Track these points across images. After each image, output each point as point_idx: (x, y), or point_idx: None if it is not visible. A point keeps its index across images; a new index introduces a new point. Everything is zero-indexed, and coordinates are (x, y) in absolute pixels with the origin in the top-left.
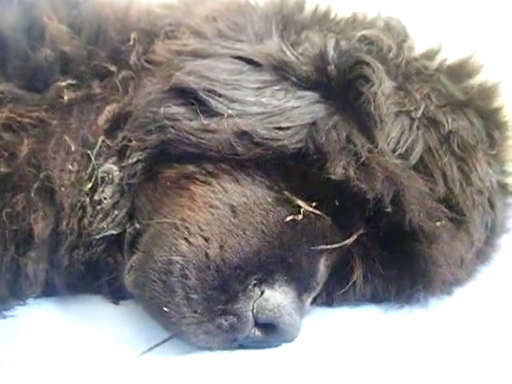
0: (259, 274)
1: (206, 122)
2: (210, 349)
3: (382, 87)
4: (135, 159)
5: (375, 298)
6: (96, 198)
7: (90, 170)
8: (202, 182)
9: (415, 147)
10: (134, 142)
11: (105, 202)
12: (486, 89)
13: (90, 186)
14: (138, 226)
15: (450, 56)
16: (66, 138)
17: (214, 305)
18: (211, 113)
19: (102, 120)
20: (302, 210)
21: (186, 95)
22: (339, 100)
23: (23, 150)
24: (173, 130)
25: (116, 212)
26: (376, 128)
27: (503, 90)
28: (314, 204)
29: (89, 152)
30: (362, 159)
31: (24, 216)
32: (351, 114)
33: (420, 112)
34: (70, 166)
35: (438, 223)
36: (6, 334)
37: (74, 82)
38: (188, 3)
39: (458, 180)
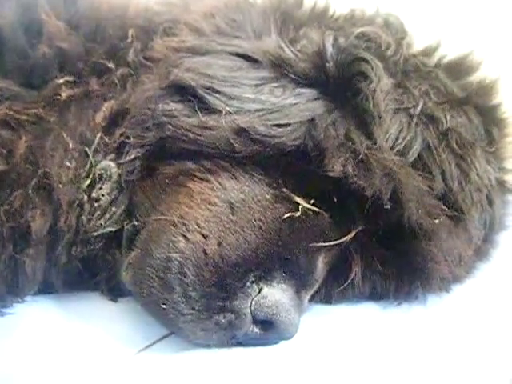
0: (257, 271)
1: (204, 118)
2: (208, 346)
3: (381, 84)
4: (133, 156)
5: (374, 295)
6: (94, 195)
7: (87, 166)
8: (200, 178)
9: (414, 144)
10: (132, 139)
11: (103, 198)
12: (484, 86)
13: (87, 182)
14: (136, 223)
15: (448, 53)
16: (64, 135)
17: (212, 302)
18: (209, 110)
19: (100, 117)
20: (300, 207)
21: (184, 92)
22: (338, 97)
23: (21, 147)
24: (171, 127)
25: (114, 209)
26: (374, 125)
27: (502, 87)
28: (312, 201)
29: (87, 149)
30: (361, 156)
31: (22, 213)
32: (350, 111)
33: (418, 109)
34: (68, 163)
35: (437, 220)
36: (3, 331)
37: (71, 78)
38: (186, 0)
39: (457, 177)
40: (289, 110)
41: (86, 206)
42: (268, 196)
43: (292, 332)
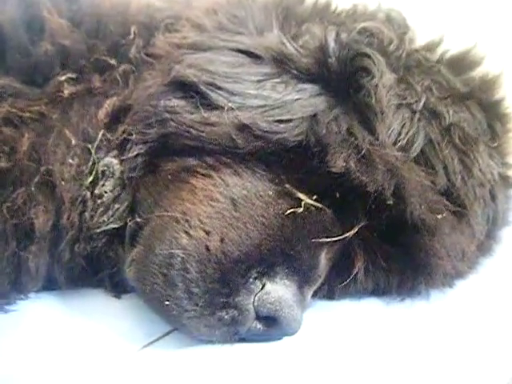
0: (260, 267)
1: (206, 115)
2: (212, 342)
3: (383, 79)
4: (136, 153)
5: (376, 291)
6: (97, 191)
7: (90, 163)
8: (202, 175)
9: (416, 140)
10: (134, 136)
11: (105, 195)
12: (487, 81)
13: (90, 179)
14: (138, 219)
15: (451, 48)
16: (67, 132)
17: (215, 298)
18: (211, 106)
19: (103, 114)
20: (302, 203)
21: (187, 88)
22: (340, 92)
23: (24, 144)
24: (173, 123)
25: (117, 206)
26: (377, 120)
27: (504, 81)
28: (314, 197)
29: (89, 146)
30: (363, 152)
31: (25, 210)
32: (352, 107)
33: (421, 104)
34: (71, 160)
35: (439, 216)
36: (7, 328)
37: (74, 75)
38: None
39: (460, 172)
40: (291, 105)
41: (89, 203)
42: (270, 192)
43: (295, 328)
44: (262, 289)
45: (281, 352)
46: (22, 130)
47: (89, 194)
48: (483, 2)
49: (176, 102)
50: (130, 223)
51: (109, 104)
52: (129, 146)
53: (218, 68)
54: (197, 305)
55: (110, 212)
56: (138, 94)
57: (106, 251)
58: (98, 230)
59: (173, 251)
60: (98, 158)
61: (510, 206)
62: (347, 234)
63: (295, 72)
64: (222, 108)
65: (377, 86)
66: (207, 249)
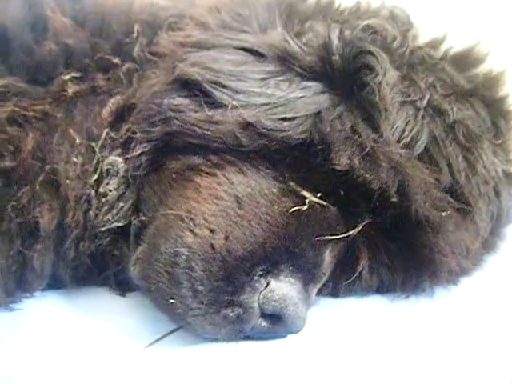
0: (265, 265)
1: (210, 113)
2: (217, 340)
3: (387, 77)
4: (140, 151)
5: (381, 288)
6: (101, 190)
7: (94, 162)
8: (207, 173)
9: (420, 137)
10: (138, 134)
11: (110, 194)
12: (491, 78)
13: (95, 178)
14: (143, 217)
15: (454, 45)
16: (71, 130)
17: (220, 296)
18: (216, 104)
19: (106, 112)
20: (307, 201)
21: (190, 87)
22: (344, 90)
23: (28, 143)
24: (177, 122)
25: (121, 204)
26: (381, 118)
27: (508, 78)
28: (319, 194)
29: (93, 144)
30: (367, 149)
31: (29, 209)
32: (356, 104)
33: (425, 101)
34: (75, 159)
35: (444, 213)
36: (13, 326)
37: (77, 74)
38: None
39: (464, 170)
40: (295, 103)
41: (94, 202)
42: (275, 190)
43: (300, 325)
44: (266, 287)
45: (286, 349)
46: (26, 129)
47: (93, 192)
48: None
49: (180, 101)
50: (134, 222)
51: (113, 103)
52: (133, 144)
53: (222, 66)
54: (202, 303)
55: (115, 210)
56: (142, 93)
57: (111, 250)
58: (103, 229)
59: (178, 249)
60: (102, 157)
61: None
62: (351, 232)
63: (299, 70)
64: (226, 106)
65: (380, 83)
66: (212, 247)
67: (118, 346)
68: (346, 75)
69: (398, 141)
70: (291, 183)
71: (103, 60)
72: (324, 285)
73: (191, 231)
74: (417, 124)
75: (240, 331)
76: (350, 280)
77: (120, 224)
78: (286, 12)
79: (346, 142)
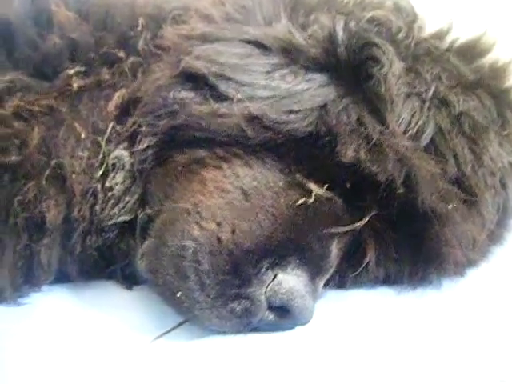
0: (272, 258)
1: (215, 106)
2: (224, 333)
3: (392, 68)
4: (146, 145)
5: (388, 280)
6: (107, 184)
7: (100, 156)
8: (213, 166)
9: (426, 128)
10: (144, 128)
11: (116, 188)
12: (497, 68)
13: (101, 172)
14: (149, 211)
15: (460, 36)
16: (76, 125)
17: (227, 289)
18: (221, 97)
19: (112, 106)
20: (313, 193)
21: (196, 80)
22: (349, 82)
23: (34, 137)
24: (183, 115)
25: (127, 198)
26: (386, 110)
27: None
28: (325, 187)
29: (99, 138)
30: (373, 141)
31: (36, 204)
32: (361, 96)
33: (431, 93)
34: (81, 153)
35: (450, 205)
36: (20, 320)
37: (82, 69)
38: None
39: (470, 161)
40: (300, 95)
41: (100, 196)
42: (281, 183)
43: (307, 318)
44: (273, 279)
45: (293, 342)
46: (32, 124)
47: (99, 186)
48: None
49: (185, 94)
50: (140, 215)
51: (118, 96)
52: (139, 138)
53: (227, 59)
54: (209, 296)
55: (121, 204)
56: (147, 87)
57: (118, 243)
58: (109, 223)
59: (184, 243)
60: (108, 151)
61: None
62: (358, 224)
63: (304, 62)
64: (232, 99)
65: (386, 75)
66: (219, 240)
67: (125, 340)
68: (351, 67)
69: (404, 132)
70: (297, 176)
71: (108, 54)
72: (331, 277)
73: (198, 224)
74: (423, 115)
75: (247, 324)
76: (356, 272)
77: (126, 218)
78: (290, 4)
79: (352, 134)
